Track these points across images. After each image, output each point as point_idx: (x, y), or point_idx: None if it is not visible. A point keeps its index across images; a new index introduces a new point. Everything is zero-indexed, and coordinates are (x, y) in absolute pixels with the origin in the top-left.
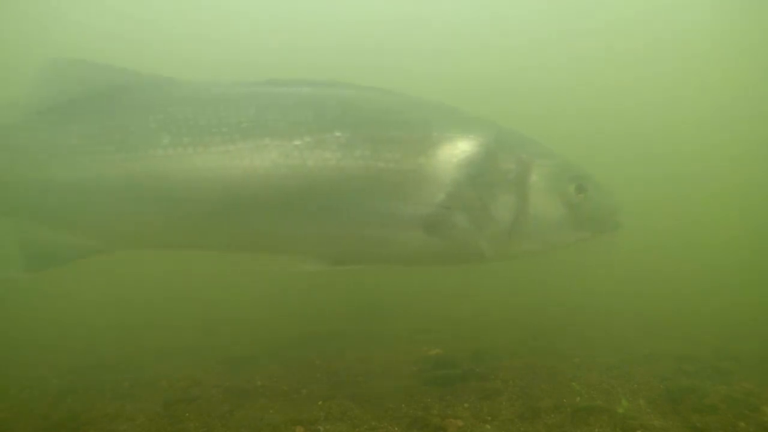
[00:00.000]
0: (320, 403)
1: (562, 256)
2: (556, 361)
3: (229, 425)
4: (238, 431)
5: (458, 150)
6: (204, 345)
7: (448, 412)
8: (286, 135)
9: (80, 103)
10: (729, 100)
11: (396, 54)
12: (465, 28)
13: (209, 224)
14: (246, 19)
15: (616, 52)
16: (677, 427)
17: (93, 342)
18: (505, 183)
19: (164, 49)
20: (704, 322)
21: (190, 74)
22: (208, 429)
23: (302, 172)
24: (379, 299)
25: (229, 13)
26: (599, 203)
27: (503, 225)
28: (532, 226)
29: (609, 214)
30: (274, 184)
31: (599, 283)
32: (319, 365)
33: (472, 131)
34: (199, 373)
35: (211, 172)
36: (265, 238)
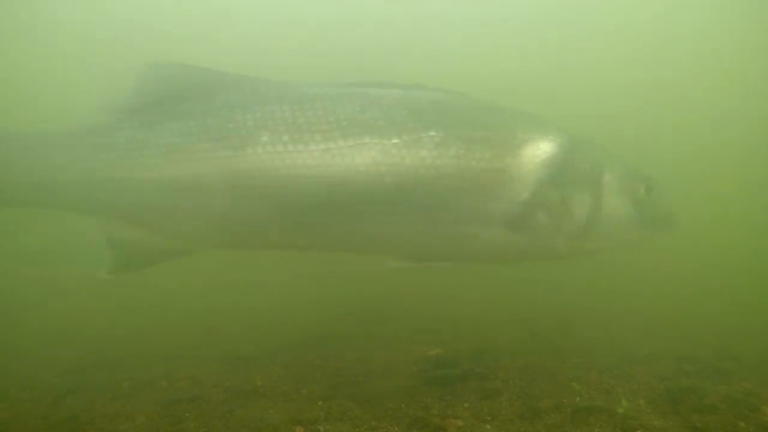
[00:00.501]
0: (320, 403)
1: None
2: (556, 361)
3: (229, 425)
4: (238, 431)
5: (541, 150)
6: (204, 345)
7: (448, 412)
8: (385, 133)
9: (176, 104)
10: (728, 100)
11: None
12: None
13: (305, 222)
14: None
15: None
16: (677, 427)
17: (93, 342)
18: (581, 182)
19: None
20: (704, 322)
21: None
22: (208, 429)
23: (400, 169)
24: (379, 299)
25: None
26: (662, 203)
27: (579, 223)
28: (604, 224)
29: (669, 213)
30: (373, 181)
31: (599, 283)
32: (319, 365)
33: (551, 133)
34: (199, 373)
35: (311, 170)
36: (356, 236)
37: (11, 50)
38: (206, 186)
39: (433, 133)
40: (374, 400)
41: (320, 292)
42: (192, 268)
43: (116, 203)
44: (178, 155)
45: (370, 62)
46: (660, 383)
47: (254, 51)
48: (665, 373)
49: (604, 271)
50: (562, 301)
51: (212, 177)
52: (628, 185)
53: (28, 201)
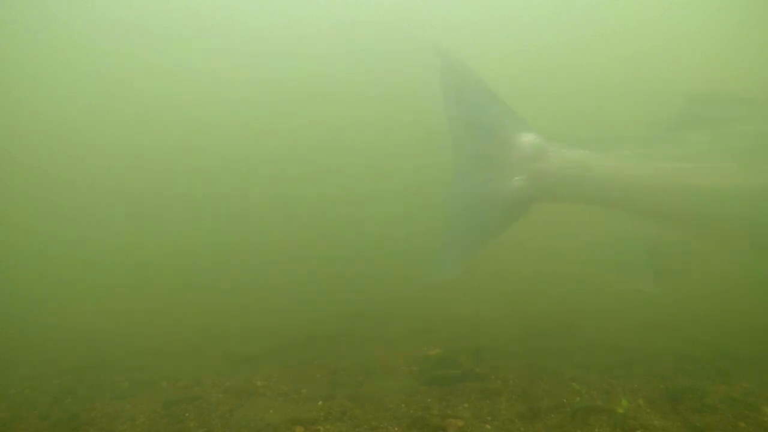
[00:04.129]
0: (320, 403)
1: (562, 256)
2: (556, 361)
3: (229, 425)
4: (238, 431)
5: None
6: (204, 345)
7: (448, 412)
8: None
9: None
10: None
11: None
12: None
13: None
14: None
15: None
16: (677, 427)
17: (93, 342)
18: None
19: None
20: (704, 322)
21: None
22: (208, 429)
23: None
24: (379, 299)
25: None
26: None
27: None
28: None
29: None
30: None
31: (599, 283)
32: (319, 365)
33: None
34: (199, 373)
35: None
36: None
37: None
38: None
39: None
40: (374, 400)
41: (320, 293)
42: (192, 270)
43: (664, 206)
44: (721, 167)
45: None
46: (660, 383)
47: None
48: (665, 373)
49: (604, 271)
50: (562, 302)
51: (747, 189)
52: None
53: (588, 199)
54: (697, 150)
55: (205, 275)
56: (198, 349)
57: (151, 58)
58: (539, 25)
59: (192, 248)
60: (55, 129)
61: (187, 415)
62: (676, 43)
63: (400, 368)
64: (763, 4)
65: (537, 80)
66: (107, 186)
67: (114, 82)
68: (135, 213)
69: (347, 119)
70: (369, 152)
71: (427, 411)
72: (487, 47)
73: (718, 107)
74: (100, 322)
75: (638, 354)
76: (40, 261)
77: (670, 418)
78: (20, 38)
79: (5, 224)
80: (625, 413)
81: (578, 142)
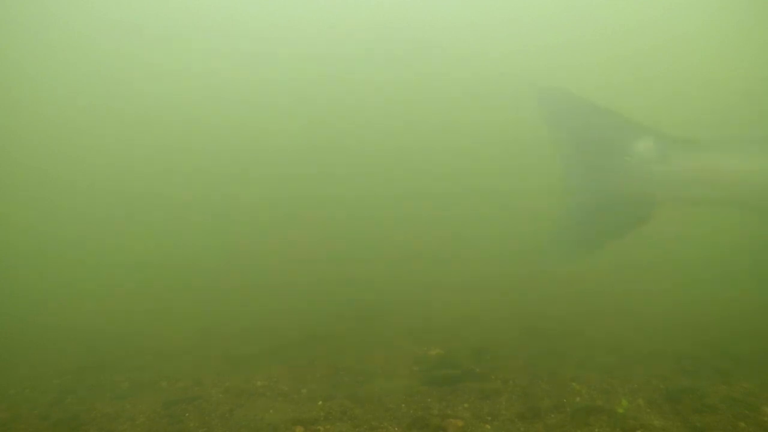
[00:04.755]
0: (320, 403)
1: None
2: (556, 361)
3: (229, 425)
4: (238, 431)
5: None
6: (204, 345)
7: (448, 412)
8: None
9: None
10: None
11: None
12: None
13: None
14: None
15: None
16: (677, 427)
17: (93, 342)
18: None
19: None
20: (704, 322)
21: None
22: (208, 429)
23: None
24: (380, 299)
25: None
26: None
27: None
28: None
29: None
30: None
31: (599, 282)
32: (319, 365)
33: None
34: (199, 373)
35: None
36: None
37: None
38: None
39: None
40: (374, 400)
41: (320, 293)
42: (193, 270)
43: None
44: None
45: None
46: (660, 383)
47: None
48: (665, 373)
49: (603, 271)
50: (562, 302)
51: None
52: None
53: (715, 200)
54: None
55: (205, 275)
56: (198, 349)
57: (151, 58)
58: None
59: (192, 248)
60: (55, 129)
61: (187, 415)
62: None
63: (400, 368)
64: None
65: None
66: (107, 186)
67: (114, 82)
68: (135, 213)
69: (345, 120)
70: (369, 152)
71: (427, 411)
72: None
73: None
74: (100, 322)
75: (638, 354)
76: (40, 261)
77: (670, 418)
78: (20, 38)
79: (5, 224)
80: (625, 413)
81: (701, 142)
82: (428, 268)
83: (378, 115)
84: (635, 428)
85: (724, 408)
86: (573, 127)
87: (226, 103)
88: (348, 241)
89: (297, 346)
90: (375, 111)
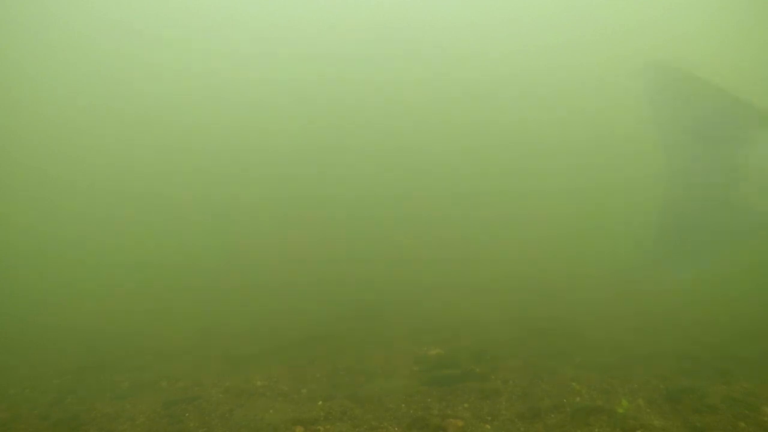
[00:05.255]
0: (320, 403)
1: (562, 256)
2: (556, 361)
3: (229, 425)
4: (238, 431)
5: None
6: (204, 345)
7: (448, 412)
8: None
9: None
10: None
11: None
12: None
13: None
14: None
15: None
16: (677, 427)
17: (93, 342)
18: None
19: None
20: (704, 322)
21: None
22: (208, 429)
23: None
24: (380, 299)
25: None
26: None
27: None
28: None
29: None
30: None
31: (600, 283)
32: (319, 365)
33: None
34: (199, 373)
35: None
36: None
37: None
38: None
39: None
40: (374, 400)
41: (319, 293)
42: (193, 270)
43: None
44: None
45: None
46: (660, 383)
47: None
48: (665, 373)
49: (604, 271)
50: (562, 302)
51: None
52: None
53: None
54: None
55: (205, 275)
56: (198, 349)
57: (151, 58)
58: None
59: (192, 248)
60: (55, 129)
61: (187, 415)
62: None
63: (400, 368)
64: None
65: None
66: (107, 186)
67: (114, 82)
68: (135, 213)
69: (345, 120)
70: (369, 152)
71: (427, 411)
72: None
73: None
74: (100, 322)
75: (638, 354)
76: (40, 261)
77: (670, 418)
78: (20, 38)
79: (5, 224)
80: (625, 413)
81: None
82: (428, 268)
83: (378, 115)
84: (635, 428)
85: (724, 408)
86: (682, 108)
87: (226, 104)
88: (348, 241)
89: (297, 346)
90: (375, 111)
